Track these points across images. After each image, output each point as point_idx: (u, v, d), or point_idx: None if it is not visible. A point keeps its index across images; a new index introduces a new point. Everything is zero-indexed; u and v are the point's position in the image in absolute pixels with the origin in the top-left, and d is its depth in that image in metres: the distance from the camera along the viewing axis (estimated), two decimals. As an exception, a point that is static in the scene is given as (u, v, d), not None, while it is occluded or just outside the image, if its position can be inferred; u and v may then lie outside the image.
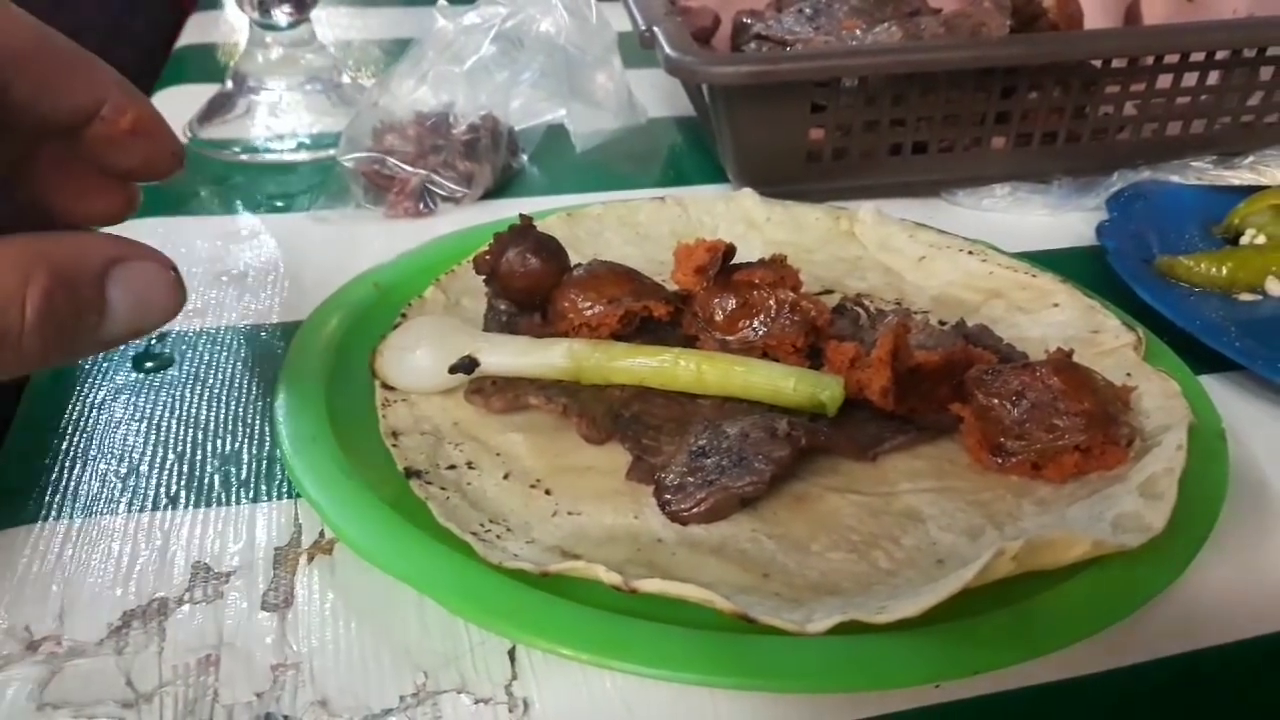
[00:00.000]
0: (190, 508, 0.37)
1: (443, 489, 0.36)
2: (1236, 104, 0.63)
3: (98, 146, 0.28)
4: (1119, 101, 0.62)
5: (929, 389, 0.39)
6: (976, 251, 0.51)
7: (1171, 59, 0.60)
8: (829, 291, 0.49)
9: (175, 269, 0.26)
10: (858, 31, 0.63)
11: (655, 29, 0.59)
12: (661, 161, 0.69)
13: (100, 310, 0.25)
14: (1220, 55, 0.61)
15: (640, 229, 0.54)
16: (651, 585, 0.31)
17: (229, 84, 0.69)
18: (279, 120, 0.67)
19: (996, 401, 0.37)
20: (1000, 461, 0.37)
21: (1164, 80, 0.61)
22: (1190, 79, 0.61)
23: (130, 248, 0.25)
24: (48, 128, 0.27)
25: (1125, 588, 0.31)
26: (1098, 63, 0.60)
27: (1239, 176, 0.60)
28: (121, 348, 0.46)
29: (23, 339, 0.23)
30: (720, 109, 0.59)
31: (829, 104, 0.58)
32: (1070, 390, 0.37)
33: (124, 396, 0.43)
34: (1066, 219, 0.61)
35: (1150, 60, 0.60)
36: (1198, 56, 0.61)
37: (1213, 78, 0.62)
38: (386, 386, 0.41)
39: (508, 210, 0.56)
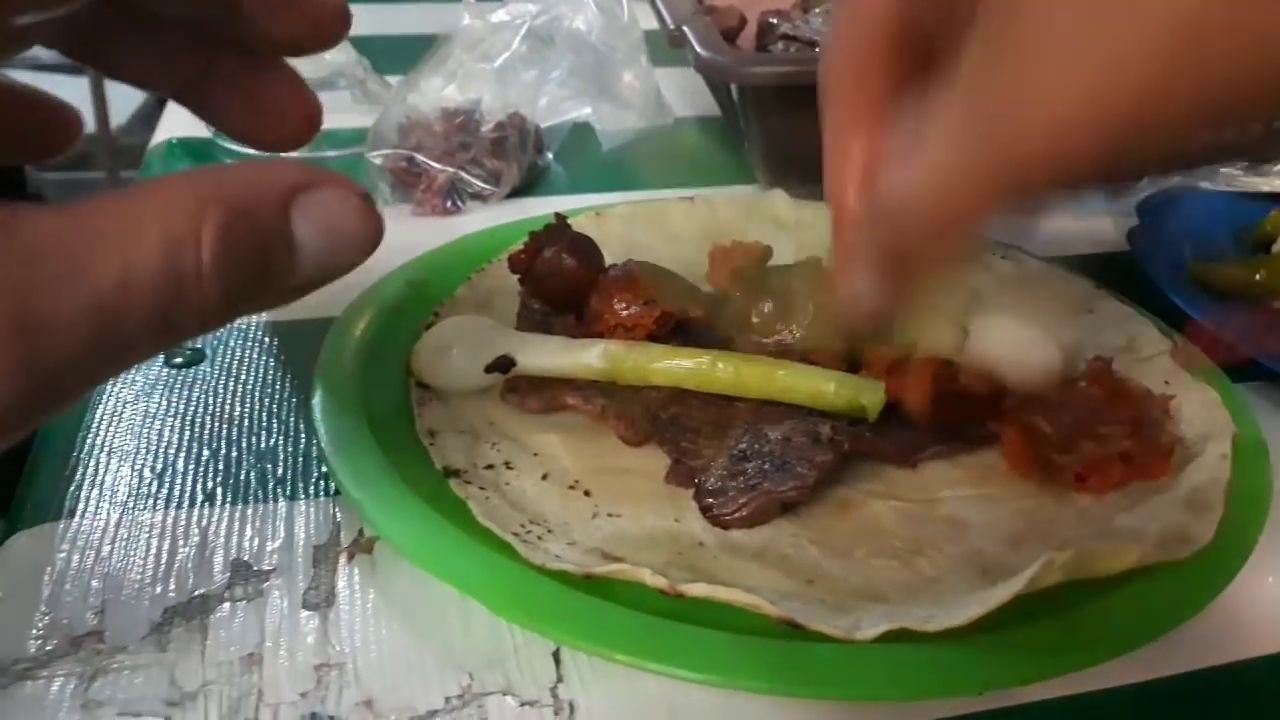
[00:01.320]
0: (227, 505, 0.37)
1: (482, 488, 0.36)
2: (1267, 111, 0.63)
3: (254, 24, 0.27)
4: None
5: (968, 409, 0.38)
6: (1008, 255, 0.51)
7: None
8: (861, 294, 0.49)
9: (366, 195, 0.22)
10: (887, 33, 0.63)
11: (685, 28, 0.58)
12: (688, 161, 0.69)
13: (288, 246, 0.21)
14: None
15: (669, 229, 0.54)
16: (699, 589, 0.31)
17: (254, 78, 0.69)
18: (304, 116, 0.67)
19: (1039, 417, 0.37)
20: (1052, 477, 0.37)
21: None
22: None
23: (314, 174, 0.22)
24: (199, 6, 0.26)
25: (1174, 599, 0.31)
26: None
27: (1270, 184, 0.59)
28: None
29: (202, 283, 0.19)
30: (749, 109, 0.58)
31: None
32: (1110, 398, 0.37)
33: (157, 393, 0.43)
34: (1097, 224, 0.60)
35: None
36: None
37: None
38: (421, 385, 0.41)
39: (535, 208, 0.56)
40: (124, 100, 1.95)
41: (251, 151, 0.67)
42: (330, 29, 0.28)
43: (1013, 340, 0.40)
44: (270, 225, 0.21)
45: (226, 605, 0.33)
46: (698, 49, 0.56)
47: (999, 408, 0.38)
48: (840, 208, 0.28)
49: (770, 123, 0.58)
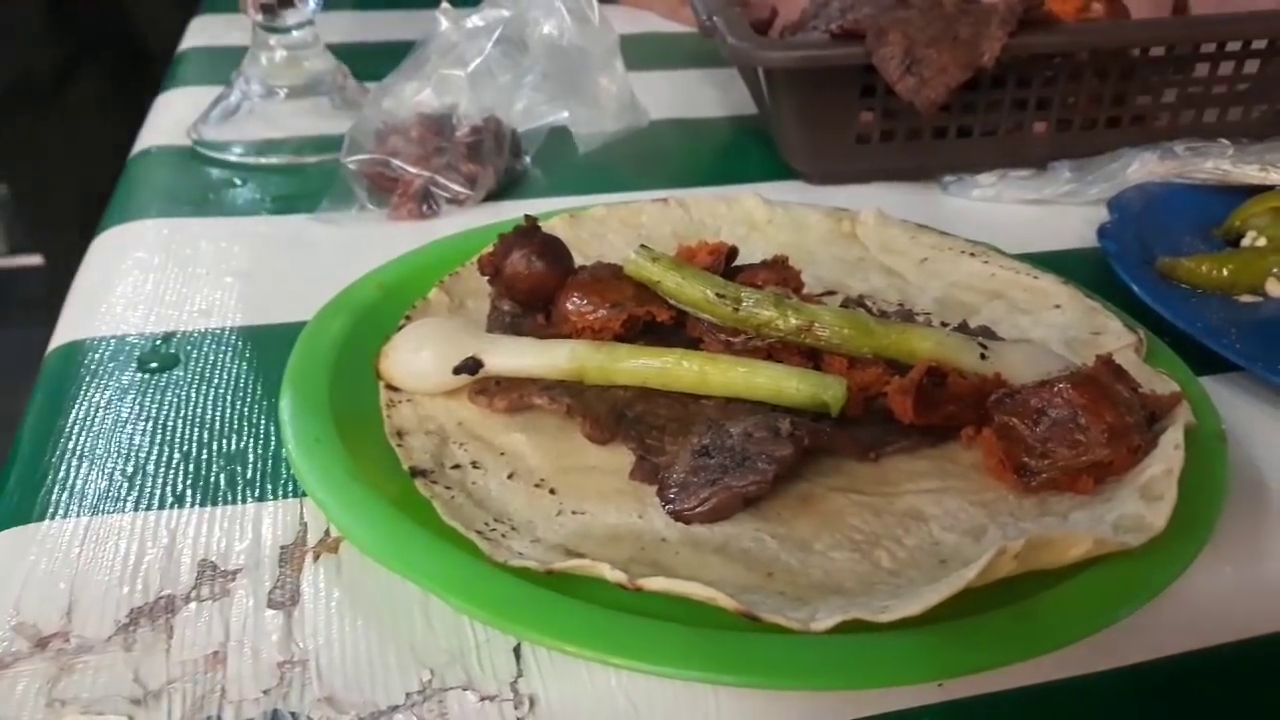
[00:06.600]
0: (196, 507, 0.37)
1: (448, 488, 0.36)
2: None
3: None
4: (1157, 89, 0.64)
5: (952, 414, 0.38)
6: (978, 253, 0.51)
7: (1208, 48, 0.63)
8: (831, 293, 0.49)
9: None
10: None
11: (716, 19, 0.61)
12: (663, 163, 0.69)
13: None
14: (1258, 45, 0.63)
15: (643, 230, 0.54)
16: (656, 583, 0.31)
17: (233, 86, 0.69)
18: (283, 122, 0.68)
19: (1016, 420, 0.37)
20: (1027, 481, 0.36)
21: (1201, 69, 0.64)
22: (1226, 68, 0.64)
23: None
24: None
25: (1127, 587, 0.32)
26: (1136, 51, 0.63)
27: (1245, 174, 0.60)
28: (126, 348, 0.46)
29: None
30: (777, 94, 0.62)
31: (878, 87, 0.60)
32: (1091, 405, 0.36)
33: (130, 396, 0.43)
34: (1067, 220, 0.61)
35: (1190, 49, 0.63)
36: (1234, 45, 0.63)
37: (1250, 66, 0.64)
38: (391, 387, 0.41)
39: (511, 212, 0.56)
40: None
41: (232, 159, 0.67)
42: None
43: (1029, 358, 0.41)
44: None
45: (192, 605, 0.33)
46: (728, 39, 0.59)
47: (980, 410, 0.38)
48: None
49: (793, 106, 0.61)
